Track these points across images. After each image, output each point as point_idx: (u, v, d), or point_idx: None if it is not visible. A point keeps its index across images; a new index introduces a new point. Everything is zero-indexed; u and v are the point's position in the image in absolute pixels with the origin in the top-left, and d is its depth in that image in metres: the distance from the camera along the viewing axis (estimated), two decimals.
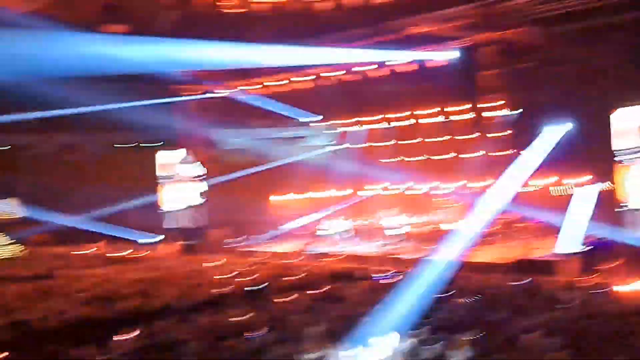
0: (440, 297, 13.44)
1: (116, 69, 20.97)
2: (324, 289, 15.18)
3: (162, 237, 26.21)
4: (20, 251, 25.07)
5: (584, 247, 19.15)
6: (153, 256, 23.07)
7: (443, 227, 23.42)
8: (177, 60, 20.72)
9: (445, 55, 19.73)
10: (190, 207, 28.95)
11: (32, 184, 29.63)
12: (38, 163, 30.36)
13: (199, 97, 26.06)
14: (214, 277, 17.56)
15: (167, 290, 15.61)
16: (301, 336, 10.72)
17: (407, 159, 26.42)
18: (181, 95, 25.58)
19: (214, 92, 25.49)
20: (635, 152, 17.92)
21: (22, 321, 12.84)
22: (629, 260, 16.82)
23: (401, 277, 16.43)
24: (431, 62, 19.97)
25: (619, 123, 17.92)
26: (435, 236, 22.75)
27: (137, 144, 29.92)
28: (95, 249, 25.49)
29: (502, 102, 20.77)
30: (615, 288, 13.72)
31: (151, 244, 25.69)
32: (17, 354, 10.72)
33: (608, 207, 20.16)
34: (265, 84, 23.78)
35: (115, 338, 11.36)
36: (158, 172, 29.79)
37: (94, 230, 26.76)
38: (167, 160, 29.80)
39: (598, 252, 18.30)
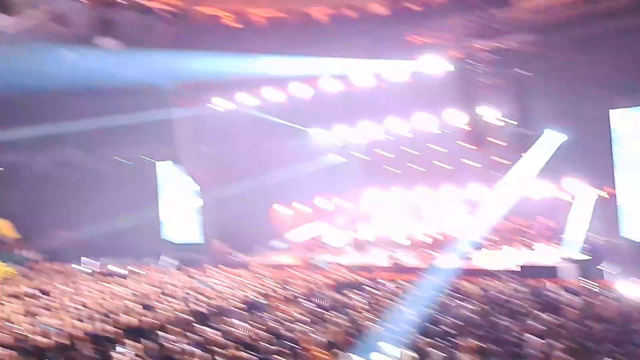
0: (446, 302, 13.42)
1: (112, 83, 21.12)
2: (329, 300, 15.14)
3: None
4: (13, 272, 24.80)
5: (585, 252, 19.22)
6: (153, 270, 22.95)
7: (447, 234, 23.44)
8: (174, 73, 20.80)
9: (442, 65, 19.77)
10: (189, 221, 29.03)
11: (27, 202, 29.65)
12: (33, 181, 30.24)
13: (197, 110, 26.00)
14: (216, 289, 17.48)
15: (170, 304, 15.53)
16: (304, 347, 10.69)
17: (410, 166, 26.39)
18: (179, 108, 25.52)
19: (213, 105, 25.46)
20: None
21: (23, 337, 12.76)
22: (629, 265, 16.89)
23: (407, 285, 16.43)
24: (428, 72, 20.00)
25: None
26: (440, 243, 22.82)
27: (136, 158, 29.84)
28: (94, 265, 25.31)
29: (499, 111, 20.79)
30: (616, 292, 13.73)
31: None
32: None
33: (607, 213, 20.24)
34: (265, 94, 23.78)
35: (117, 352, 11.32)
36: (158, 188, 29.95)
37: (92, 246, 26.80)
38: (167, 176, 29.92)
39: (599, 256, 18.36)
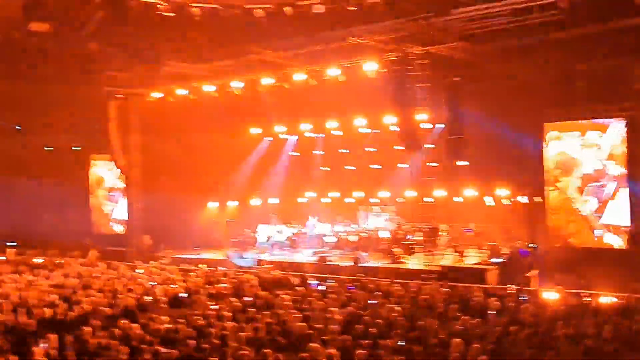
0: (371, 303, 13.55)
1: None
2: (253, 297, 15.05)
3: None
4: None
5: (509, 256, 19.78)
6: (75, 262, 22.27)
7: (375, 235, 23.72)
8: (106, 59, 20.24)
9: (377, 67, 19.95)
10: (117, 214, 28.42)
11: None
12: None
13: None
14: (139, 284, 17.12)
15: (91, 297, 15.10)
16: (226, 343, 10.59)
17: (341, 167, 26.58)
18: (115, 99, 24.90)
19: (150, 96, 24.91)
20: None
21: None
22: (550, 269, 17.46)
23: (334, 283, 16.53)
24: (364, 73, 20.15)
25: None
26: (368, 244, 23.08)
27: (68, 147, 29.04)
28: (7, 255, 24.44)
29: (431, 115, 21.14)
30: (538, 295, 14.12)
31: None
32: None
33: (533, 220, 20.90)
34: (199, 88, 23.40)
35: (38, 346, 10.94)
36: (89, 178, 29.22)
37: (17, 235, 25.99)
38: (98, 166, 29.21)
39: (522, 261, 18.93)
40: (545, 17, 16.60)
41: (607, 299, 13.54)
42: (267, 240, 24.71)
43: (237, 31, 18.99)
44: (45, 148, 29.59)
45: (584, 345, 9.61)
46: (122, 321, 12.41)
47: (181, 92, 23.82)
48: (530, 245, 20.58)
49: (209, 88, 23.06)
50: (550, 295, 14.02)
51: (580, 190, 19.42)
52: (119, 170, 26.92)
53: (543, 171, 20.07)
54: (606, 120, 19.11)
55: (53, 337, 11.28)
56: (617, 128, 18.81)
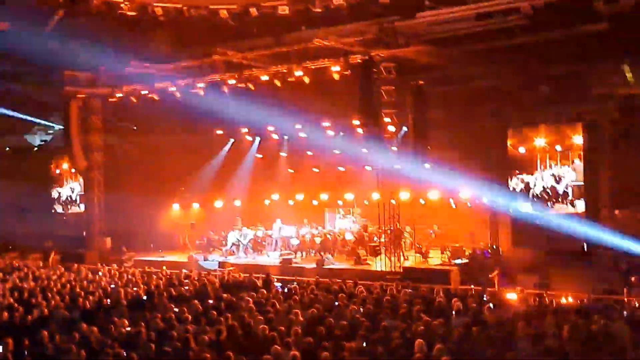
0: (336, 304, 13.52)
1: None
2: (216, 300, 14.89)
3: None
4: None
5: (471, 257, 19.97)
6: (33, 265, 21.84)
7: (340, 237, 23.75)
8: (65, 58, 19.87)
9: (343, 69, 19.98)
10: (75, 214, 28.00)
11: None
12: None
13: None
14: (99, 286, 16.84)
15: (49, 300, 14.78)
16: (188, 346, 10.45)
17: (307, 169, 26.56)
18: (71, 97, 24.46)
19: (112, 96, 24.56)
20: None
21: None
22: (510, 270, 17.69)
23: (297, 285, 16.46)
24: (329, 75, 20.16)
25: None
26: (333, 246, 23.10)
27: (29, 148, 28.55)
28: None
29: (396, 118, 21.25)
30: (500, 295, 14.25)
31: None
32: None
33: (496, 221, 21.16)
34: (161, 89, 23.14)
35: None
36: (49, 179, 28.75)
37: None
38: (59, 167, 28.76)
39: (483, 262, 19.13)
40: (509, 22, 16.84)
41: (567, 299, 13.73)
42: (231, 243, 24.54)
43: (201, 32, 18.88)
44: (7, 149, 29.07)
45: (543, 345, 9.71)
46: (81, 324, 12.16)
47: (144, 92, 23.54)
48: (492, 246, 20.83)
49: (172, 89, 22.84)
50: (512, 296, 14.16)
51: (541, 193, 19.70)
52: (78, 171, 26.50)
53: (505, 174, 20.31)
54: (567, 125, 19.41)
55: (10, 341, 10.99)
56: (577, 132, 19.12)
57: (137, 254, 24.41)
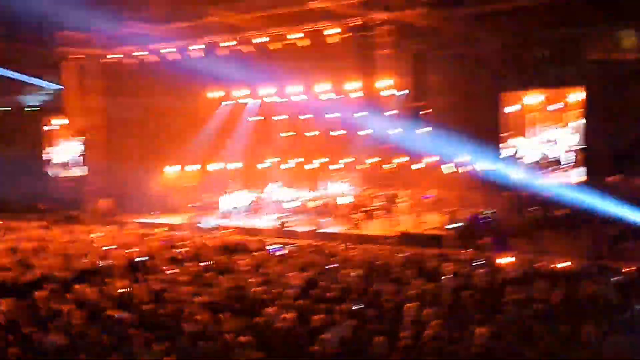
0: (328, 268, 13.64)
1: None
2: (211, 262, 15.01)
3: None
4: None
5: (466, 222, 20.05)
6: (29, 226, 21.91)
7: (336, 200, 23.81)
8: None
9: (341, 33, 19.80)
10: (73, 176, 28.00)
11: None
12: None
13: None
14: (97, 247, 16.94)
15: (47, 261, 14.90)
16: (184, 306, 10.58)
17: (303, 133, 26.50)
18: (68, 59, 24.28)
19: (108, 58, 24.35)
20: None
21: None
22: (503, 235, 17.77)
23: (293, 249, 16.58)
24: (328, 38, 19.99)
25: None
26: (328, 209, 23.17)
27: (21, 108, 28.35)
28: None
29: (393, 81, 21.13)
30: (491, 260, 14.34)
31: None
32: None
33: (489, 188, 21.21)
34: (158, 51, 22.96)
35: None
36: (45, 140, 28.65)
37: None
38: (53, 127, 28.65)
39: (477, 227, 19.21)
40: None
41: (557, 265, 13.82)
42: (228, 206, 24.59)
43: None
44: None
45: (532, 309, 9.83)
46: (76, 285, 12.27)
47: (140, 53, 23.35)
48: (487, 211, 20.89)
49: (167, 50, 22.65)
50: (504, 261, 14.26)
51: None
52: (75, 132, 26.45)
53: (502, 139, 20.33)
54: (562, 89, 19.38)
55: (5, 301, 11.09)
56: (573, 96, 19.09)
57: (132, 216, 24.47)
